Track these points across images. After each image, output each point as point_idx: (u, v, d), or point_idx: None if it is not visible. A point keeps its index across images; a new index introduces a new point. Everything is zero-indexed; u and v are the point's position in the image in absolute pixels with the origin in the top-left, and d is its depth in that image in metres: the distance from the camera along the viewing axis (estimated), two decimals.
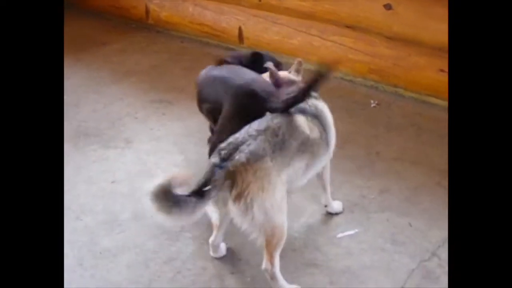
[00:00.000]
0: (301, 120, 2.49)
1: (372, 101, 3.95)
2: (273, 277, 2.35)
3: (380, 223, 2.81)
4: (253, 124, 2.41)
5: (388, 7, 3.88)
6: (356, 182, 3.12)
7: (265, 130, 2.35)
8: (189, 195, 2.14)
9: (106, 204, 3.00)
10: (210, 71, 3.02)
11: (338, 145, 3.15)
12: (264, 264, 2.34)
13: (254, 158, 2.24)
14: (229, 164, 2.22)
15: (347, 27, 4.12)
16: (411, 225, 2.78)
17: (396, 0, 3.84)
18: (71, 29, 5.42)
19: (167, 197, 2.08)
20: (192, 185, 2.18)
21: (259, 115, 2.52)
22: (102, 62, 4.69)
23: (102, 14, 5.61)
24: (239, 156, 2.23)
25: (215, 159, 2.27)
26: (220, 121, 2.82)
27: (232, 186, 2.21)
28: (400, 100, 3.99)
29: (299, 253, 2.64)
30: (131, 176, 3.22)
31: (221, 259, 2.63)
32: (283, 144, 2.35)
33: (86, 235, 2.78)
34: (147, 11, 5.29)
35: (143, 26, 5.33)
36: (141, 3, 5.30)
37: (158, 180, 2.09)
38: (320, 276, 2.51)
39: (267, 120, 2.43)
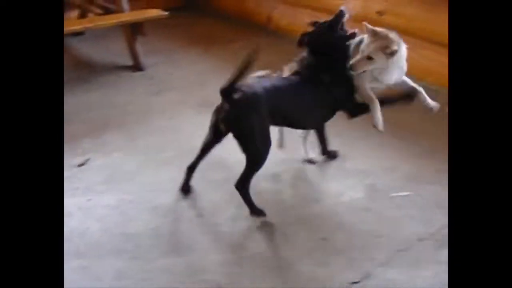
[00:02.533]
0: None
1: None
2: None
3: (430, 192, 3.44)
4: None
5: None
6: (417, 162, 3.76)
7: None
8: None
9: (215, 152, 3.80)
10: None
11: (411, 135, 3.86)
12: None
13: None
14: None
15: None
16: None
17: None
18: (202, 27, 6.44)
19: None
20: None
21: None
22: (227, 55, 5.54)
23: (230, 18, 6.55)
24: None
25: None
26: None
27: None
28: None
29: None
30: None
31: None
32: None
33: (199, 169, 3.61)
34: (269, 18, 6.15)
35: (265, 31, 6.18)
36: (264, 11, 6.17)
37: None
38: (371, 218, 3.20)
39: None
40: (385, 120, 3.95)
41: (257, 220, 3.06)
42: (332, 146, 3.68)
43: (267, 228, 3.06)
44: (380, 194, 3.38)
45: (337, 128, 3.66)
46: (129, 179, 3.48)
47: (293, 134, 3.57)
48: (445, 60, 4.58)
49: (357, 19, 5.20)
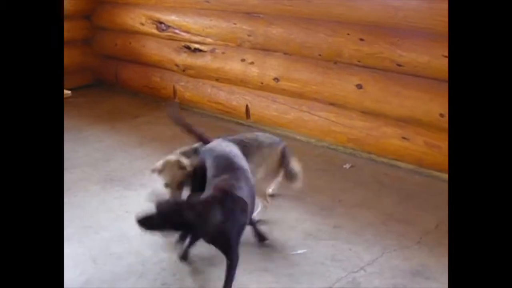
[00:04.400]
0: None
1: (346, 164, 4.78)
2: None
3: (326, 247, 3.57)
4: None
5: (359, 86, 4.76)
6: (316, 220, 3.89)
7: None
8: None
9: (119, 225, 3.83)
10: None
11: (308, 194, 4.03)
12: None
13: None
14: None
15: (330, 104, 5.01)
16: (350, 250, 3.54)
17: (365, 80, 4.73)
18: (110, 104, 6.51)
19: None
20: None
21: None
22: (133, 131, 5.63)
23: (137, 93, 6.66)
24: None
25: None
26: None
27: None
28: (372, 164, 4.80)
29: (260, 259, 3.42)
30: (141, 207, 4.07)
31: None
32: None
33: (101, 243, 3.63)
34: (174, 91, 6.29)
35: (170, 104, 6.31)
36: (170, 84, 6.31)
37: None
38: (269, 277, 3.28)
39: None
40: (283, 182, 4.09)
41: None
42: None
43: None
44: (278, 254, 3.48)
45: None
46: None
47: None
48: (339, 120, 4.93)
49: (255, 87, 5.47)
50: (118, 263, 3.40)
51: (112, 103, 6.54)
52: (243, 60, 5.57)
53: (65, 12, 5.97)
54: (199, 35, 5.91)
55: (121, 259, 3.44)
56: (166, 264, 3.38)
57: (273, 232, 3.69)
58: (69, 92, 5.28)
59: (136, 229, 2.85)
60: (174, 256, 3.41)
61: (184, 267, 3.35)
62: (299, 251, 3.51)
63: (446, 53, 4.17)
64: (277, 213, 3.94)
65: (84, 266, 3.37)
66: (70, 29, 6.60)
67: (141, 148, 5.21)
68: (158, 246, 3.51)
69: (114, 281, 3.24)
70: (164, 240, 3.45)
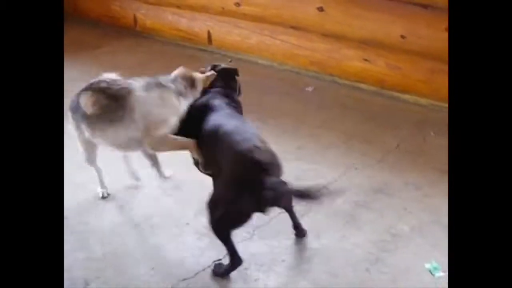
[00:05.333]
0: None
1: (309, 87, 4.82)
2: None
3: (290, 168, 3.61)
4: None
5: (320, 9, 4.74)
6: (279, 142, 3.92)
7: None
8: None
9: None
10: (213, 110, 2.95)
11: (272, 117, 4.06)
12: None
13: None
14: None
15: (291, 27, 4.99)
16: (314, 170, 3.61)
17: (326, 3, 4.71)
18: (69, 36, 6.26)
19: None
20: None
21: (257, 187, 2.48)
22: (94, 61, 5.54)
23: (96, 23, 6.52)
24: None
25: None
26: (216, 186, 2.82)
27: None
28: (335, 86, 4.84)
29: None
30: None
31: None
32: None
33: None
34: (135, 20, 6.18)
35: (131, 33, 6.20)
36: (130, 13, 6.19)
37: None
38: None
39: None
40: (247, 105, 4.12)
41: None
42: None
43: (130, 220, 3.14)
44: None
45: None
46: None
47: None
48: (301, 43, 4.92)
49: (217, 12, 5.41)
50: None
51: (71, 35, 6.34)
52: None
53: None
54: None
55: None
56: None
57: None
58: None
59: None
60: None
61: None
62: None
63: None
64: None
65: None
66: None
67: None
68: None
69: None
70: None
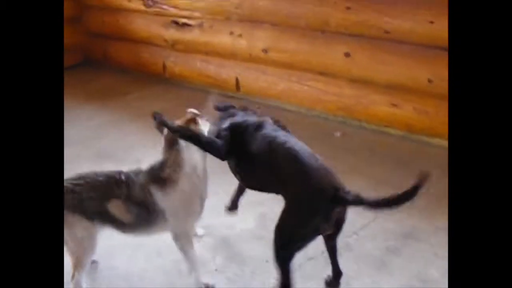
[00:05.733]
0: None
1: (337, 132, 4.83)
2: None
3: None
4: None
5: (347, 55, 4.79)
6: None
7: None
8: None
9: None
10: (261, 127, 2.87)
11: None
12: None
13: None
14: None
15: (319, 73, 5.04)
16: None
17: (353, 48, 4.75)
18: (99, 82, 6.52)
19: None
20: None
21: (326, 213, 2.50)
22: (124, 107, 5.65)
23: (126, 70, 6.66)
24: None
25: None
26: (284, 212, 2.64)
27: None
28: (363, 131, 4.85)
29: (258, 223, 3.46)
30: None
31: None
32: None
33: None
34: (164, 67, 6.30)
35: (160, 80, 6.32)
36: (159, 60, 6.32)
37: None
38: (262, 245, 3.32)
39: None
40: None
41: None
42: (224, 180, 3.77)
43: (159, 266, 3.15)
44: (271, 222, 3.51)
45: None
46: None
47: None
48: (328, 88, 4.96)
49: (244, 59, 5.48)
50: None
51: (102, 82, 6.55)
52: (231, 33, 5.58)
53: None
54: (186, 9, 5.90)
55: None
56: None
57: (264, 202, 3.74)
58: None
59: None
60: None
61: None
62: None
63: (432, 19, 4.21)
64: None
65: None
66: None
67: (133, 124, 5.23)
68: None
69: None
70: None
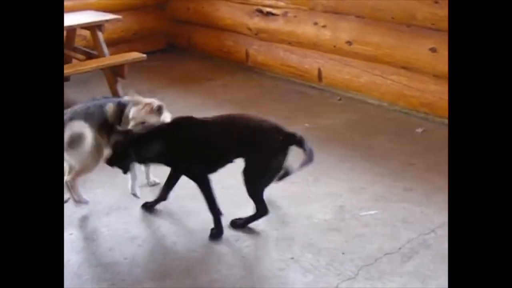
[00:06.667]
0: None
1: (419, 128, 4.76)
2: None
3: (397, 209, 3.59)
4: None
5: (433, 50, 4.71)
6: (387, 182, 3.91)
7: None
8: None
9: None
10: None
11: (381, 157, 4.04)
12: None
13: None
14: None
15: (403, 67, 4.98)
16: (421, 212, 3.55)
17: (439, 44, 4.67)
18: (183, 67, 6.65)
19: None
20: None
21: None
22: (207, 93, 5.76)
23: (209, 57, 6.78)
24: None
25: None
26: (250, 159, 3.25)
27: None
28: (445, 129, 4.75)
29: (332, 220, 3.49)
30: None
31: None
32: None
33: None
34: (247, 55, 6.37)
35: (243, 67, 6.40)
36: (242, 48, 6.39)
37: None
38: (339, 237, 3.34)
39: None
40: (355, 145, 4.14)
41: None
42: (305, 170, 3.78)
43: (236, 251, 3.23)
44: (349, 215, 3.52)
45: None
46: (106, 213, 3.63)
47: None
48: (412, 83, 4.89)
49: (328, 50, 5.48)
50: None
51: (185, 67, 6.68)
52: (315, 23, 5.58)
53: None
54: None
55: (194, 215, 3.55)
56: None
57: (343, 194, 3.75)
58: (144, 55, 5.43)
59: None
60: None
61: None
62: (370, 212, 3.54)
63: None
64: (349, 175, 3.99)
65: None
66: None
67: (215, 110, 5.29)
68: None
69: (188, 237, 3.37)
70: None
